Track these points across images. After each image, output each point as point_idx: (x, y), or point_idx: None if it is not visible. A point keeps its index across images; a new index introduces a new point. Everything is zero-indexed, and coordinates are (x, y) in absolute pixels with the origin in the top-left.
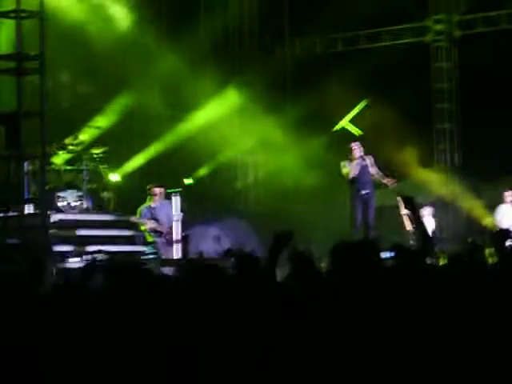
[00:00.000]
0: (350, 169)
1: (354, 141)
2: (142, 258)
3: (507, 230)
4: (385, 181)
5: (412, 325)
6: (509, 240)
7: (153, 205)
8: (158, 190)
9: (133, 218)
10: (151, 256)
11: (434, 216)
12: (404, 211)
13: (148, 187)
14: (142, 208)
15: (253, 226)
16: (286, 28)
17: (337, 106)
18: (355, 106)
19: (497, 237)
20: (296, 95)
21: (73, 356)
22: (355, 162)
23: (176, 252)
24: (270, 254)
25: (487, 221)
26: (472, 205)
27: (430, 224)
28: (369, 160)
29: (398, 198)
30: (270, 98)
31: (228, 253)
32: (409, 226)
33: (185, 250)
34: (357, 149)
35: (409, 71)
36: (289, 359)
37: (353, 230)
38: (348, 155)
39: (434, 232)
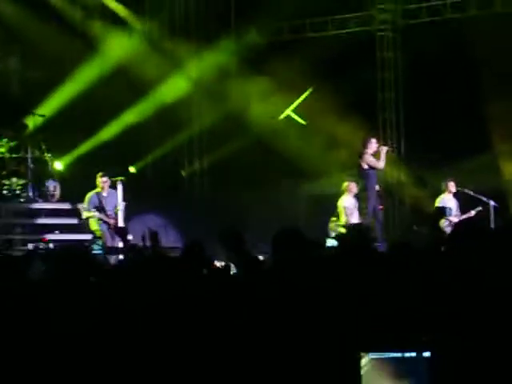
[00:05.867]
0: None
1: (372, 136)
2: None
3: (442, 208)
4: None
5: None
6: (444, 219)
7: (103, 193)
8: (106, 179)
9: (80, 206)
10: (99, 251)
11: None
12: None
13: (99, 175)
14: (92, 195)
15: (198, 214)
16: (232, 16)
17: (283, 94)
18: (301, 94)
19: (433, 216)
20: (242, 83)
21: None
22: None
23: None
24: None
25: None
26: (416, 194)
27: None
28: None
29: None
30: (216, 87)
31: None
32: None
33: (124, 241)
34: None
35: (354, 60)
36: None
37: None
38: (365, 149)
39: None
